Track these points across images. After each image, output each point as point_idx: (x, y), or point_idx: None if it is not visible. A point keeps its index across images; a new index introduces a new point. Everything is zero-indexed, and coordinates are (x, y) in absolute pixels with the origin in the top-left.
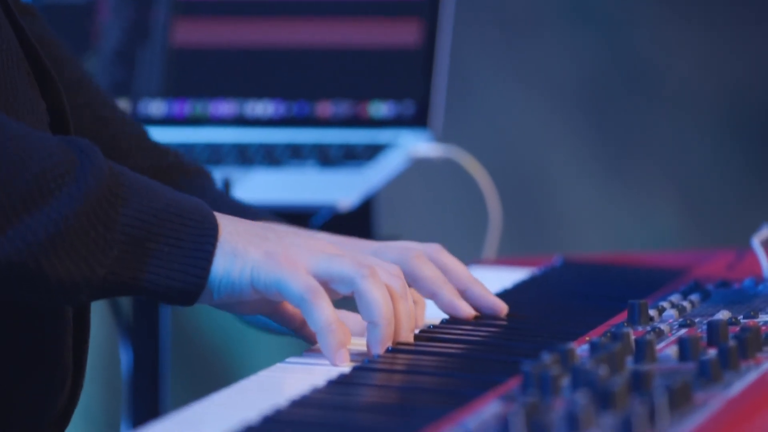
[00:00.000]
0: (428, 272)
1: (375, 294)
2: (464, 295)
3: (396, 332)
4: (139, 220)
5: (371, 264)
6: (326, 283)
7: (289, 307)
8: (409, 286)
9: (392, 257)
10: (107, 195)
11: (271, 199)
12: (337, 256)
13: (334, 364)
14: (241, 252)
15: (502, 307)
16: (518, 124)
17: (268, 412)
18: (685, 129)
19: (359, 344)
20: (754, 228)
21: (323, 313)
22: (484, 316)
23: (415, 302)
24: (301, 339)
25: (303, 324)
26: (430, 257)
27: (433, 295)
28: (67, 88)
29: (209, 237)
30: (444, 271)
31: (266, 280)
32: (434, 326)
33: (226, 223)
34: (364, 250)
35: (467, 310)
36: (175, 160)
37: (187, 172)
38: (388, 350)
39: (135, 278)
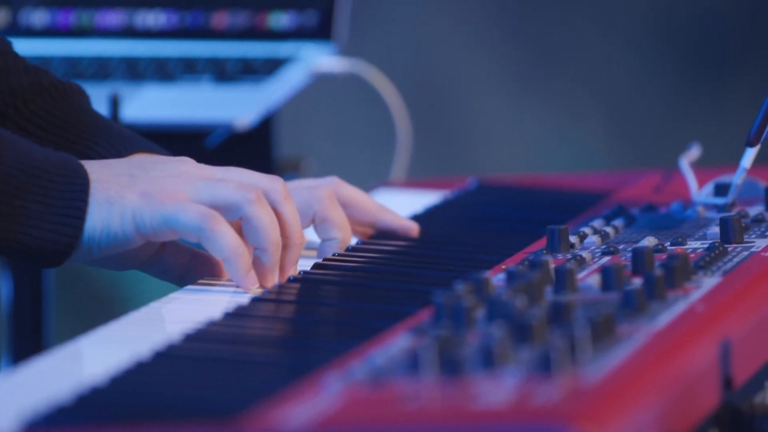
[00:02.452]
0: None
1: (264, 219)
2: (374, 225)
3: (284, 238)
4: (5, 175)
5: (254, 185)
6: None
7: (167, 259)
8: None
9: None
10: None
11: (163, 117)
12: (217, 182)
13: (245, 289)
14: (116, 198)
15: (414, 228)
16: (429, 36)
17: (160, 347)
18: (610, 41)
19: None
20: (683, 147)
21: (227, 239)
22: (392, 243)
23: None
24: (181, 287)
25: (183, 273)
26: (333, 192)
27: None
28: None
29: (80, 193)
30: (347, 204)
31: (152, 221)
32: (339, 254)
33: (93, 171)
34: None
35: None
36: (51, 78)
37: (65, 90)
38: (289, 279)
39: (6, 238)
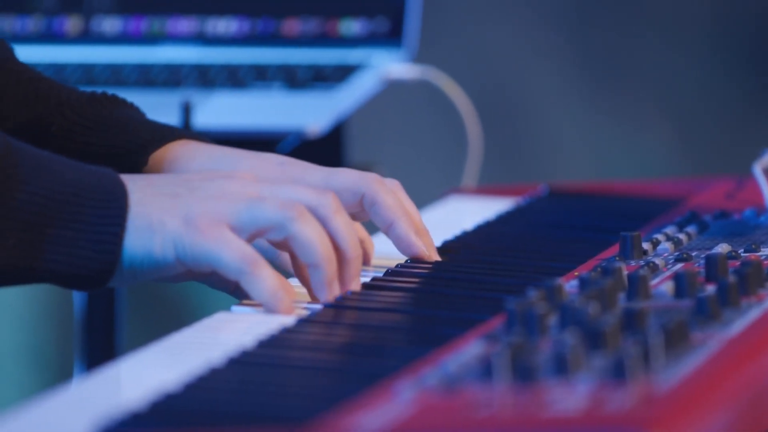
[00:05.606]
0: (389, 199)
1: (309, 235)
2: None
3: (339, 253)
4: (36, 204)
5: (296, 201)
6: (256, 235)
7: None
8: (359, 217)
9: (349, 180)
10: (0, 177)
11: (234, 124)
12: (258, 202)
13: None
14: (157, 224)
15: (422, 253)
16: (500, 44)
17: (233, 353)
18: (676, 50)
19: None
20: (753, 154)
21: (266, 284)
22: (463, 251)
23: (362, 240)
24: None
25: (237, 285)
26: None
27: (389, 225)
28: None
29: (116, 218)
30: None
31: (193, 254)
32: (409, 261)
33: (133, 190)
34: (312, 175)
35: (421, 248)
36: (103, 93)
37: (122, 102)
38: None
39: (35, 268)
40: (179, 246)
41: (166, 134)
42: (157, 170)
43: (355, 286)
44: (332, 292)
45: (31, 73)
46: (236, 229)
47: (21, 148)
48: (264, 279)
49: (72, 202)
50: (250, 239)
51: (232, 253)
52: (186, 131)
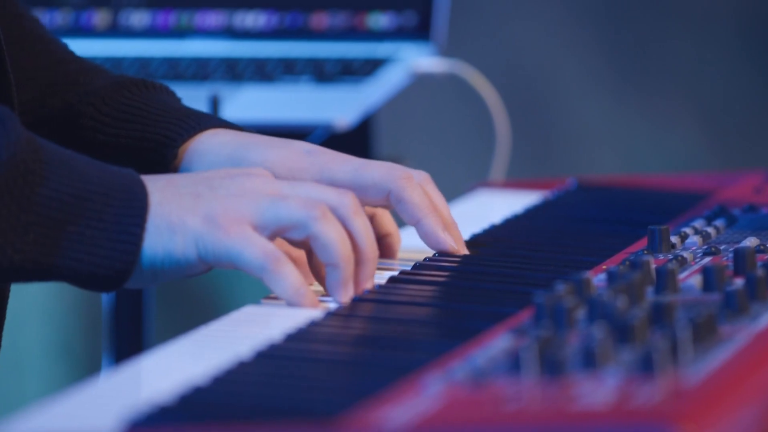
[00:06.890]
0: (416, 196)
1: (331, 235)
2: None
3: (357, 253)
4: (57, 201)
5: (319, 200)
6: (278, 233)
7: None
8: (388, 209)
9: (377, 175)
10: (23, 171)
11: (262, 118)
12: (281, 200)
13: None
14: (178, 224)
15: (451, 248)
16: (527, 38)
17: (261, 347)
18: (704, 45)
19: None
20: None
21: (288, 282)
22: (491, 244)
23: (389, 234)
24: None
25: None
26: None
27: (416, 222)
28: (23, 40)
29: (137, 217)
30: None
31: (215, 252)
32: (437, 254)
33: (154, 191)
34: (340, 166)
35: (449, 243)
36: (132, 78)
37: (145, 86)
38: (391, 279)
39: (54, 265)
40: (201, 245)
41: (193, 125)
42: (187, 162)
43: (368, 285)
44: (348, 292)
45: (60, 54)
46: (258, 227)
47: (45, 144)
48: (286, 276)
49: (93, 200)
50: (272, 237)
51: (255, 250)
52: (214, 119)
